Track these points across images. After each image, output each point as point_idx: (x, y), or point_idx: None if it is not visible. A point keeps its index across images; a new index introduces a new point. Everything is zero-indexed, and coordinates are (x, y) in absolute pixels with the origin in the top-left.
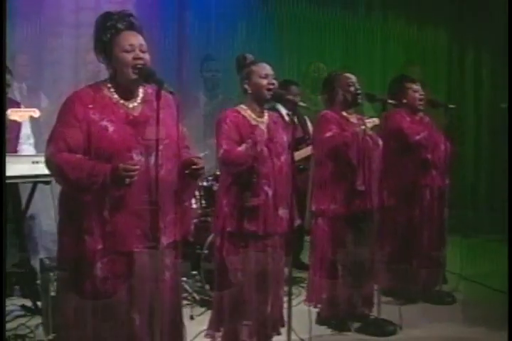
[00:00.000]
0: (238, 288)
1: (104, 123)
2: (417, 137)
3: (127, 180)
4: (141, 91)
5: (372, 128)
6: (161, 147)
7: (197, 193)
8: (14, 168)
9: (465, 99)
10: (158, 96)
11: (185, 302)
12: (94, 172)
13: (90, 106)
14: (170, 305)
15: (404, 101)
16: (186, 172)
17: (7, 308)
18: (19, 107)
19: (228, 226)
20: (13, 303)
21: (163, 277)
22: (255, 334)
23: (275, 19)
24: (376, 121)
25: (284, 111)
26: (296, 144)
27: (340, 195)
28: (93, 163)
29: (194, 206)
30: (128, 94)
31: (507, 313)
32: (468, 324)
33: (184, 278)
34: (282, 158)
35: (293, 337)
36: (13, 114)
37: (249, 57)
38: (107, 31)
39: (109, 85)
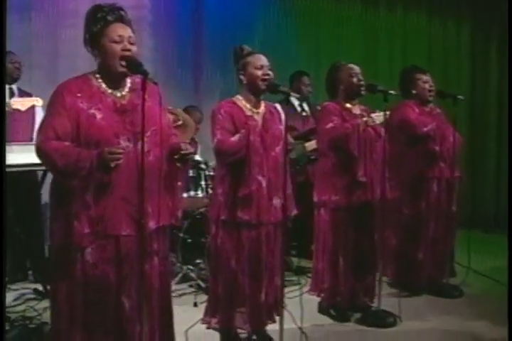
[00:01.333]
0: (232, 275)
1: (92, 111)
2: (425, 129)
3: (113, 164)
4: (128, 81)
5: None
6: (148, 133)
7: (203, 182)
8: (23, 156)
9: (489, 94)
10: (143, 86)
11: (190, 289)
12: (81, 158)
13: (78, 95)
14: (159, 289)
15: (414, 92)
16: (175, 157)
17: (19, 291)
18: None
19: (222, 215)
20: (26, 287)
21: (152, 261)
22: (249, 321)
23: (293, 13)
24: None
25: (296, 102)
26: (308, 135)
27: (342, 186)
28: (80, 149)
29: (200, 195)
30: (116, 84)
31: (507, 307)
32: (472, 318)
33: (190, 266)
34: (277, 149)
35: (292, 325)
36: (15, 104)
37: (246, 48)
38: (97, 22)
39: (98, 76)
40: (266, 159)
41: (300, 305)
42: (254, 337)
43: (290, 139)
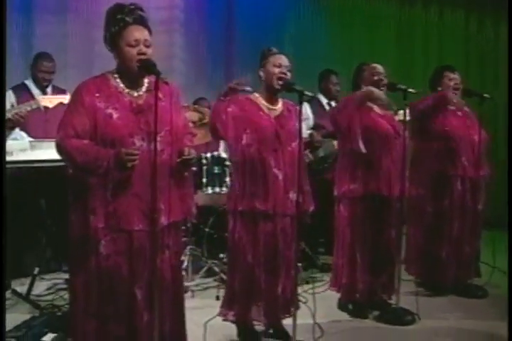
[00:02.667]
0: (248, 269)
1: (110, 110)
2: (423, 103)
3: (129, 164)
4: (146, 81)
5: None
6: (162, 133)
7: (228, 179)
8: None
9: None
10: (156, 86)
11: (215, 283)
12: (99, 156)
13: (97, 95)
14: (171, 282)
15: (439, 88)
16: (178, 160)
17: (52, 281)
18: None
19: (239, 206)
20: (60, 277)
21: (163, 255)
22: (265, 314)
23: (325, 12)
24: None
25: (324, 100)
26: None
27: (360, 176)
28: (98, 148)
29: (225, 191)
30: (133, 84)
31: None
32: (493, 318)
33: (215, 261)
34: (293, 145)
35: (310, 320)
36: (43, 100)
37: (273, 50)
38: (116, 23)
39: (116, 75)
40: (282, 154)
41: (313, 300)
42: (271, 330)
43: (318, 137)
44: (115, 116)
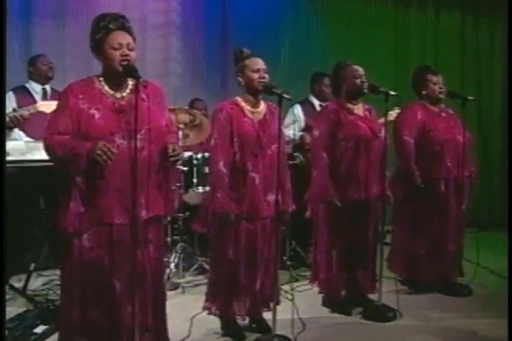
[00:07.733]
0: (229, 265)
1: (92, 111)
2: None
3: (97, 157)
4: (130, 83)
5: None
6: (142, 131)
7: None
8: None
9: None
10: (136, 89)
11: (206, 280)
12: (77, 146)
13: (80, 96)
14: (152, 274)
15: (424, 92)
16: (168, 160)
17: (49, 277)
18: None
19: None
20: (57, 273)
21: (145, 248)
22: (246, 309)
23: (322, 14)
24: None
25: (316, 102)
26: None
27: (339, 180)
28: (77, 140)
29: None
30: (117, 86)
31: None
32: (475, 316)
33: (206, 259)
34: (273, 147)
35: (294, 316)
36: (41, 106)
37: (246, 51)
38: (100, 31)
39: (101, 78)
40: (262, 157)
41: (292, 297)
42: (254, 325)
43: (309, 140)
44: (97, 116)
